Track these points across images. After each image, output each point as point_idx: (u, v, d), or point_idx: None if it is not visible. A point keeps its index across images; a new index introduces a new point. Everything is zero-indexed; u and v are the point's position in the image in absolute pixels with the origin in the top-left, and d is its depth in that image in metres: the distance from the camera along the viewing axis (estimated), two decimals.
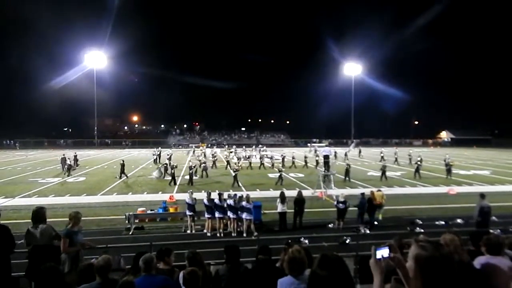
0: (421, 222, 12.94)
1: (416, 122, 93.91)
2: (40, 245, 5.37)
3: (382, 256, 1.76)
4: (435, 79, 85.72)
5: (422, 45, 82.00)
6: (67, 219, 5.83)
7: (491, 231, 9.87)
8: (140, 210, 13.72)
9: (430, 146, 68.55)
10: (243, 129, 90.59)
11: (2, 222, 5.40)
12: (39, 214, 5.61)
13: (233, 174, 22.20)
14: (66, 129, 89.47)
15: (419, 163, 25.36)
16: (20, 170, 28.53)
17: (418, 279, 1.55)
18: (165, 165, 25.78)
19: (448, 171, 24.55)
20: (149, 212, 13.70)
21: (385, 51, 79.82)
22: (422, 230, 11.80)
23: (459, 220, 13.07)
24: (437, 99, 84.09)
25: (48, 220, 5.84)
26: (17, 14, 64.81)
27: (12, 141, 61.12)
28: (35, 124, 70.41)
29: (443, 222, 12.98)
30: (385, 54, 79.79)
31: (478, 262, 3.44)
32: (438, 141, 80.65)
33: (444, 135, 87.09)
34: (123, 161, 25.27)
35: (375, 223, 12.98)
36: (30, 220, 5.68)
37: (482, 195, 11.01)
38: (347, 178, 22.95)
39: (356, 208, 12.70)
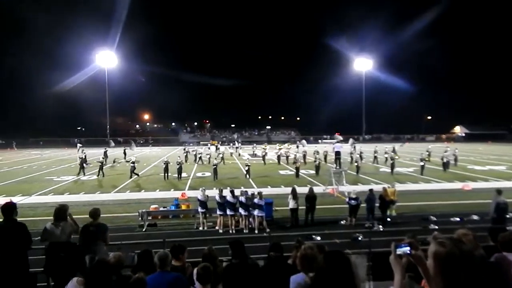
0: (435, 219, 12.75)
1: (429, 117, 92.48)
2: (59, 242, 5.48)
3: (403, 252, 1.74)
4: (448, 73, 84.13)
5: (435, 39, 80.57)
6: (83, 216, 5.94)
7: (507, 228, 9.70)
8: (152, 207, 13.87)
9: (444, 142, 67.34)
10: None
11: (18, 219, 5.52)
12: (61, 211, 5.70)
13: (213, 167, 23.32)
14: (79, 128, 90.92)
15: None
16: (36, 169, 29.16)
17: (438, 276, 1.53)
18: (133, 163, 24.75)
19: (422, 168, 24.12)
20: (161, 209, 13.85)
21: (397, 45, 78.54)
22: (436, 227, 11.66)
23: (474, 217, 12.84)
24: (450, 94, 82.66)
25: None
26: (32, 15, 65.96)
27: (2, 141, 61.77)
28: (49, 123, 71.78)
29: (458, 219, 12.78)
30: (396, 48, 78.49)
31: (494, 258, 3.39)
32: (451, 136, 79.18)
33: (458, 130, 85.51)
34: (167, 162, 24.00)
35: (388, 219, 12.86)
36: (46, 218, 5.80)
37: (499, 191, 10.78)
38: (393, 171, 24.56)
39: (365, 204, 12.61)
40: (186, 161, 32.21)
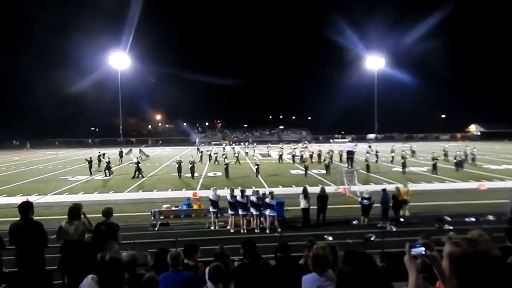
0: (449, 219, 12.52)
1: (443, 116, 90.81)
2: (72, 240, 5.58)
3: (418, 253, 1.72)
4: (462, 70, 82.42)
5: (449, 35, 79.13)
6: (97, 215, 6.04)
7: None
8: (165, 206, 13.99)
9: (459, 141, 66.05)
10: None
11: (34, 218, 5.64)
12: (75, 210, 5.81)
13: (224, 166, 24.12)
14: (93, 128, 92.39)
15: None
16: (51, 169, 29.76)
17: (454, 277, 1.49)
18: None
19: (434, 167, 23.85)
20: (173, 208, 13.97)
21: (409, 42, 77.03)
22: (451, 227, 11.45)
23: (490, 217, 12.54)
24: (465, 91, 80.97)
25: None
26: (45, 18, 67.35)
27: (16, 142, 63.61)
28: (63, 124, 73.16)
29: (473, 219, 12.51)
30: (409, 45, 77.02)
31: (510, 259, 3.31)
32: (466, 135, 77.60)
33: (473, 128, 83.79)
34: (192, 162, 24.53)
35: (401, 219, 12.69)
36: (61, 216, 5.91)
37: None
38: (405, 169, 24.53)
39: (379, 205, 12.46)
40: (201, 161, 32.40)
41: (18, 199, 13.95)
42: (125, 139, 68.20)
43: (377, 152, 31.56)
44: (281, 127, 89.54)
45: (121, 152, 35.23)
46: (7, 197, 17.93)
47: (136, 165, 24.35)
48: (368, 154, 27.61)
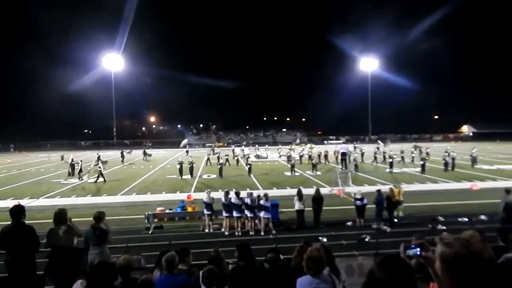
0: (443, 219, 12.62)
1: (436, 117, 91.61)
2: (60, 245, 5.52)
3: (413, 254, 1.71)
4: (454, 71, 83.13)
5: (441, 36, 79.82)
6: (89, 218, 5.98)
7: None
8: (159, 209, 13.90)
9: (451, 141, 66.57)
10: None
11: (26, 222, 5.57)
12: (60, 215, 5.76)
13: (218, 166, 25.21)
14: (86, 131, 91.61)
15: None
16: (44, 171, 29.43)
17: (447, 278, 1.48)
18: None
19: (422, 167, 24.17)
20: (167, 211, 13.88)
21: (403, 43, 77.47)
22: (445, 227, 11.53)
23: (483, 217, 12.66)
24: (457, 92, 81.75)
25: (73, 220, 6.02)
26: (38, 19, 66.64)
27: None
28: (55, 127, 72.31)
29: (466, 219, 12.61)
30: (402, 46, 77.49)
31: (503, 258, 3.33)
32: (459, 136, 78.37)
33: (466, 129, 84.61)
34: (189, 164, 25.00)
35: (395, 220, 12.75)
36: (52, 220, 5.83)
37: (507, 191, 10.67)
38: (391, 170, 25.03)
39: (374, 206, 12.52)
40: (210, 164, 31.42)
41: (10, 203, 13.78)
42: (119, 142, 67.66)
43: (384, 153, 31.86)
44: (284, 129, 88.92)
45: (122, 153, 35.57)
46: None
47: (99, 169, 23.52)
48: (376, 155, 28.37)
